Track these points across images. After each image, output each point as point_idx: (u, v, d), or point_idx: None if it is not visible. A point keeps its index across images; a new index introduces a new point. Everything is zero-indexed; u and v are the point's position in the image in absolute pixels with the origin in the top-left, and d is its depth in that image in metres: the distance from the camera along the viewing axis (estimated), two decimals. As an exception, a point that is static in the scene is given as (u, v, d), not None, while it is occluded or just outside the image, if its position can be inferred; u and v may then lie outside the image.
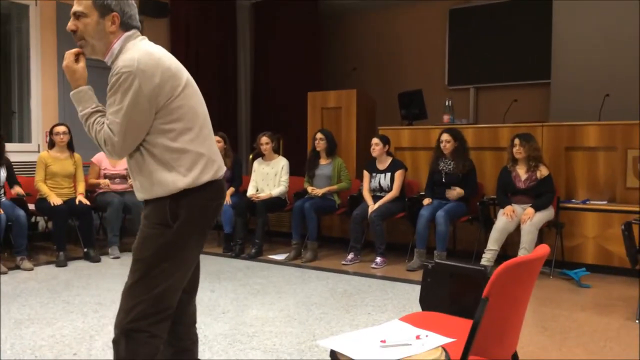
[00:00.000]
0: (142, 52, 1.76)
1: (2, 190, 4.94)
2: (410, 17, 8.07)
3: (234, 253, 5.43)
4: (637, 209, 4.43)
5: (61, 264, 4.89)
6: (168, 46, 7.40)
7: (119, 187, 5.49)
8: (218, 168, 1.91)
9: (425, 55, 7.98)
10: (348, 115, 6.23)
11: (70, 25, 1.82)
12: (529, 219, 4.49)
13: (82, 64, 1.84)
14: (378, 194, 5.28)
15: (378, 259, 5.00)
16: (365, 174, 5.39)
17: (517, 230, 4.57)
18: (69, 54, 1.83)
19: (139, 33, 1.88)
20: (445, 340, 1.74)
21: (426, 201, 5.04)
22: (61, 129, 5.25)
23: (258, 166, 5.80)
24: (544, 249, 1.78)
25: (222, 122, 7.38)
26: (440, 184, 5.08)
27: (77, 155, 5.36)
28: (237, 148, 7.97)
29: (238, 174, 5.91)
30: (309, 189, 5.47)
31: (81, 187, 5.30)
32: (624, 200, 4.83)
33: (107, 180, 5.45)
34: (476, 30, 7.55)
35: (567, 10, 6.41)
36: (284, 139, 7.10)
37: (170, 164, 1.79)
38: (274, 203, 5.54)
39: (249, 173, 6.16)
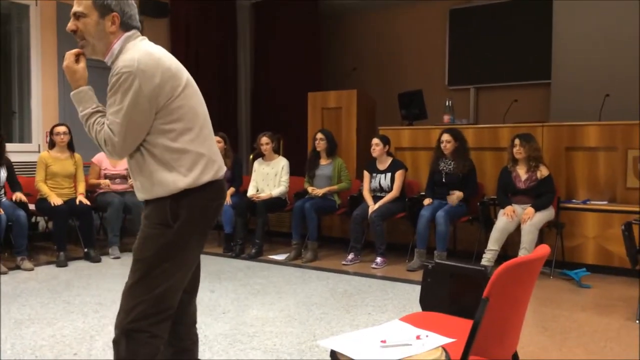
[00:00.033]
0: (142, 52, 1.76)
1: (3, 191, 4.94)
2: (410, 17, 8.07)
3: (234, 253, 5.43)
4: (637, 209, 4.43)
5: (61, 264, 4.89)
6: (168, 46, 7.40)
7: (119, 187, 5.50)
8: (218, 168, 1.91)
9: (426, 56, 7.98)
10: (348, 116, 6.23)
11: (70, 25, 1.83)
12: (529, 218, 4.49)
13: (82, 64, 1.84)
14: (378, 194, 5.28)
15: (378, 259, 5.00)
16: (366, 174, 5.39)
17: (518, 230, 4.57)
18: (69, 55, 1.83)
19: (139, 33, 1.88)
20: (446, 340, 1.74)
21: (426, 201, 5.04)
22: (61, 129, 5.25)
23: (258, 166, 5.80)
24: (545, 249, 1.78)
25: (222, 122, 7.38)
26: (441, 184, 5.08)
27: (77, 156, 5.36)
28: (237, 148, 7.97)
29: (238, 174, 5.91)
30: (309, 189, 5.47)
31: (81, 187, 5.30)
32: (624, 200, 4.83)
33: (107, 181, 5.45)
34: (476, 30, 7.55)
35: (568, 10, 6.41)
36: (284, 139, 7.11)
37: (170, 164, 1.79)
38: (274, 203, 5.54)
39: (249, 173, 6.16)
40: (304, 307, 3.71)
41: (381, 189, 5.27)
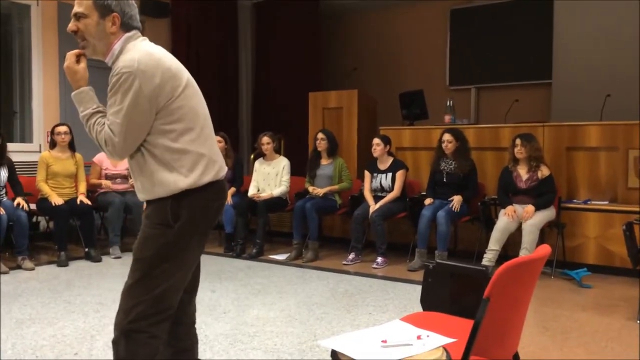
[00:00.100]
0: (143, 53, 1.76)
1: (4, 190, 4.94)
2: (411, 17, 8.07)
3: (235, 253, 5.43)
4: (638, 209, 4.43)
5: (62, 263, 4.90)
6: (169, 46, 7.41)
7: (120, 187, 5.50)
8: (219, 168, 1.90)
9: (427, 55, 7.97)
10: (349, 116, 6.23)
11: (71, 26, 1.83)
12: (529, 217, 4.48)
13: (83, 64, 1.85)
14: (379, 194, 5.28)
15: (379, 259, 5.00)
16: (367, 174, 5.39)
17: (519, 230, 4.56)
18: (70, 55, 1.84)
19: (139, 34, 1.88)
20: (447, 340, 1.74)
21: (427, 201, 5.04)
22: (62, 129, 5.26)
23: (259, 166, 5.80)
24: (545, 249, 1.77)
25: (223, 122, 7.37)
26: (442, 184, 5.08)
27: (78, 155, 5.37)
28: (238, 148, 7.97)
29: (239, 174, 5.91)
30: (310, 189, 5.47)
31: (82, 187, 5.30)
32: (625, 200, 4.83)
33: (108, 182, 5.45)
34: (477, 30, 7.54)
35: (569, 10, 6.40)
36: (285, 139, 7.11)
37: (171, 165, 1.79)
38: (275, 203, 5.55)
39: (250, 173, 6.16)
40: (304, 307, 3.71)
41: (382, 189, 5.27)
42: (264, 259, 5.30)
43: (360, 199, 5.40)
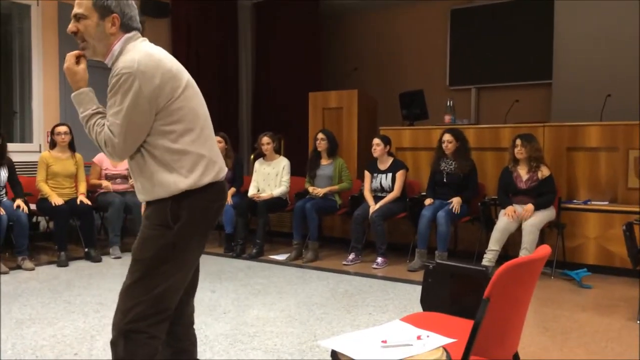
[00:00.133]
0: (143, 54, 1.76)
1: (4, 191, 4.94)
2: (411, 17, 8.07)
3: (235, 253, 5.43)
4: (638, 210, 4.43)
5: (62, 264, 4.90)
6: (169, 46, 7.41)
7: (120, 187, 5.50)
8: (219, 169, 1.90)
9: (427, 56, 7.97)
10: (349, 116, 6.23)
11: (71, 27, 1.83)
12: (529, 215, 4.48)
13: (83, 65, 1.84)
14: (379, 194, 5.28)
15: (379, 259, 5.00)
16: (367, 174, 5.39)
17: (519, 230, 4.56)
18: (70, 56, 1.83)
19: (139, 35, 1.88)
20: (447, 340, 1.74)
21: (427, 201, 5.03)
22: (62, 129, 5.26)
23: (259, 166, 5.80)
24: (545, 250, 1.77)
25: (223, 122, 7.38)
26: (442, 184, 5.08)
27: (78, 155, 5.37)
28: (238, 148, 7.97)
29: (239, 174, 5.91)
30: (310, 189, 5.47)
31: (82, 187, 5.30)
32: (626, 200, 4.83)
33: (108, 183, 5.45)
34: (477, 30, 7.54)
35: (569, 10, 6.40)
36: (285, 139, 7.11)
37: (171, 166, 1.79)
38: (275, 203, 5.55)
39: (250, 173, 6.17)
40: (304, 307, 3.71)
41: (382, 189, 5.27)
42: (264, 259, 5.30)
43: (360, 199, 5.40)
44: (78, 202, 5.14)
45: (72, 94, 1.84)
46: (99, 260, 5.08)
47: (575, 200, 5.02)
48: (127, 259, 1.87)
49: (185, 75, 1.85)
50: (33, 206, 5.15)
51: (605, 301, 3.95)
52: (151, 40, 1.90)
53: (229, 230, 5.57)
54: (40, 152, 5.88)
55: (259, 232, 5.42)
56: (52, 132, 5.29)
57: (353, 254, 5.13)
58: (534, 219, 4.50)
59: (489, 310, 1.56)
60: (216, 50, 7.97)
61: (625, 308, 3.75)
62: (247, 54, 8.63)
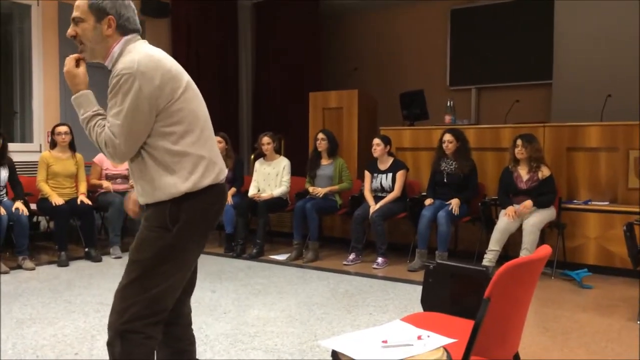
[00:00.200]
0: (142, 55, 1.76)
1: (4, 190, 4.94)
2: (411, 17, 8.07)
3: (235, 253, 5.43)
4: (638, 210, 4.43)
5: (63, 263, 4.90)
6: (169, 46, 7.41)
7: (120, 187, 5.50)
8: (219, 171, 1.90)
9: (427, 56, 7.97)
10: (349, 116, 6.23)
11: (70, 31, 1.84)
12: (527, 211, 4.50)
13: (82, 68, 1.85)
14: (379, 194, 5.28)
15: (379, 259, 5.00)
16: (367, 174, 5.39)
17: (519, 230, 4.56)
18: (70, 60, 1.84)
19: (139, 36, 1.88)
20: (447, 340, 1.74)
21: (428, 201, 5.03)
22: (63, 129, 5.26)
23: (259, 166, 5.80)
24: (546, 250, 1.77)
25: (224, 122, 7.38)
26: (442, 184, 5.08)
27: (78, 155, 5.37)
28: (238, 148, 7.98)
29: (240, 175, 5.91)
30: (311, 189, 5.47)
31: (83, 187, 5.30)
32: (626, 201, 4.83)
33: (109, 184, 5.46)
34: (478, 30, 7.54)
35: (569, 10, 6.40)
36: (286, 139, 7.11)
37: (171, 167, 1.79)
38: (275, 203, 5.55)
39: (250, 173, 6.17)
40: (305, 307, 3.71)
41: (382, 189, 5.27)
42: (264, 259, 5.30)
43: (360, 199, 5.40)
44: (78, 202, 5.14)
45: (73, 97, 1.84)
46: (100, 260, 5.08)
47: (575, 201, 5.02)
48: (127, 259, 1.87)
49: (185, 77, 1.86)
50: (33, 206, 5.15)
51: (606, 301, 3.95)
52: (151, 41, 1.90)
53: (230, 230, 5.57)
54: (40, 152, 5.88)
55: (260, 232, 5.42)
56: (53, 132, 5.30)
57: (353, 254, 5.13)
58: (535, 219, 4.50)
59: (490, 311, 1.56)
60: (216, 50, 7.97)
61: (626, 308, 3.75)
62: (247, 54, 8.63)
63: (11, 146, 5.16)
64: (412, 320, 2.00)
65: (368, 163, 5.47)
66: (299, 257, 5.30)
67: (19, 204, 4.80)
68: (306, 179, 5.66)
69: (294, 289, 4.20)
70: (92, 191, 5.47)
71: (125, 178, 5.52)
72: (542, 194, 4.62)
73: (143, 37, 1.91)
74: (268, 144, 5.70)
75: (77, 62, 1.85)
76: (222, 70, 8.09)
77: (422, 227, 4.87)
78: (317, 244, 5.34)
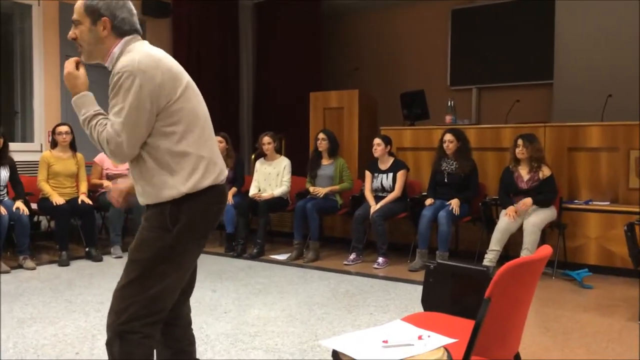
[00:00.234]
0: (143, 54, 1.77)
1: (5, 190, 4.94)
2: (412, 17, 8.06)
3: (235, 253, 5.43)
4: (639, 210, 4.43)
5: (63, 263, 4.91)
6: (170, 46, 7.41)
7: (121, 186, 5.50)
8: (220, 172, 1.90)
9: (428, 56, 7.97)
10: (350, 116, 6.23)
11: (70, 33, 1.86)
12: (526, 209, 4.52)
13: (82, 70, 1.86)
14: (380, 194, 5.28)
15: (380, 259, 5.00)
16: (367, 174, 5.39)
17: (520, 230, 4.56)
18: (70, 62, 1.85)
19: (139, 37, 1.88)
20: (448, 340, 1.74)
21: (428, 201, 5.03)
22: (64, 128, 5.26)
23: (260, 166, 5.81)
24: (547, 250, 1.77)
25: (224, 122, 7.38)
26: (443, 184, 5.08)
27: (79, 155, 5.37)
28: (239, 148, 7.98)
29: (240, 174, 5.91)
30: (311, 189, 5.47)
31: (83, 187, 5.31)
32: (627, 201, 4.82)
33: (109, 183, 5.46)
34: (478, 30, 7.53)
35: (570, 10, 6.40)
36: (286, 139, 7.11)
37: (172, 168, 1.79)
38: (276, 203, 5.55)
39: (251, 173, 6.17)
40: (305, 307, 3.71)
41: (383, 189, 5.27)
42: (264, 259, 5.30)
43: (361, 199, 5.40)
44: (79, 202, 5.15)
45: (73, 98, 1.84)
46: (100, 260, 5.09)
47: (576, 201, 5.01)
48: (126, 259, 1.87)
49: (186, 77, 1.86)
50: (34, 206, 5.15)
51: (607, 301, 3.95)
52: (152, 40, 1.91)
53: (230, 230, 5.57)
54: (41, 151, 5.88)
55: (260, 232, 5.42)
56: (53, 132, 5.30)
57: (354, 253, 5.13)
58: (535, 219, 4.50)
59: (490, 310, 1.56)
60: (217, 50, 7.97)
61: (626, 308, 3.75)
62: (248, 54, 8.63)
63: (12, 146, 5.16)
64: (412, 320, 2.01)
65: (369, 163, 5.47)
66: (299, 256, 5.30)
67: (19, 204, 4.80)
68: (307, 179, 5.66)
69: (295, 289, 4.20)
70: (92, 191, 5.48)
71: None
72: (542, 193, 4.62)
73: (144, 37, 1.92)
74: (269, 143, 5.70)
75: (77, 65, 1.86)
76: (223, 70, 8.09)
77: (423, 227, 4.87)
78: (318, 244, 5.34)
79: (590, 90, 5.88)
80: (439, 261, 2.35)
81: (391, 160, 5.33)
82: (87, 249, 5.16)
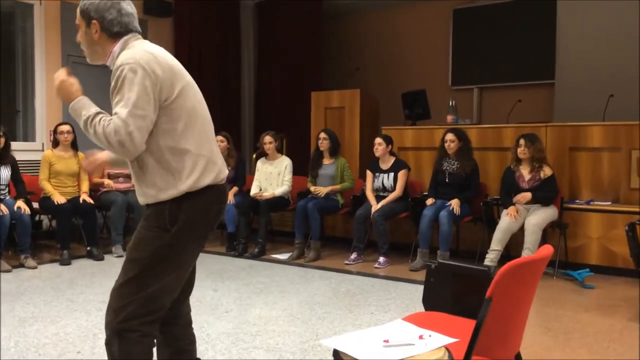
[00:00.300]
0: (142, 51, 1.78)
1: (7, 189, 4.95)
2: (413, 17, 8.06)
3: (237, 252, 5.43)
4: (641, 210, 4.42)
5: (65, 262, 4.91)
6: (171, 46, 7.42)
7: (122, 186, 5.51)
8: (219, 171, 1.89)
9: (429, 55, 7.97)
10: (351, 115, 6.23)
11: (77, 37, 1.91)
12: (524, 202, 4.54)
13: (74, 78, 1.87)
14: (381, 193, 5.28)
15: (381, 259, 5.00)
16: (369, 173, 5.39)
17: (521, 230, 4.56)
18: (61, 72, 1.86)
19: (139, 36, 1.90)
20: (449, 340, 1.74)
21: (429, 201, 5.03)
22: (65, 127, 5.27)
23: (261, 165, 5.81)
24: (548, 250, 1.77)
25: (226, 121, 7.38)
26: (444, 184, 5.08)
27: (81, 154, 5.37)
28: (240, 148, 7.98)
29: (242, 174, 5.91)
30: (312, 188, 5.47)
31: (85, 186, 5.32)
32: (628, 201, 4.82)
33: (110, 182, 5.47)
34: (480, 30, 7.53)
35: (571, 10, 6.39)
36: (288, 138, 7.11)
37: (171, 166, 1.79)
38: (277, 202, 5.55)
39: (252, 172, 6.17)
40: (306, 306, 3.71)
41: (384, 189, 5.27)
42: (266, 259, 5.31)
43: (362, 198, 5.40)
44: (81, 201, 5.16)
45: (71, 104, 1.82)
46: (102, 259, 5.09)
47: (577, 201, 5.01)
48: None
49: (186, 76, 1.87)
50: (36, 205, 5.16)
51: (608, 301, 3.95)
52: (153, 40, 1.92)
53: (231, 229, 5.58)
54: (43, 150, 5.89)
55: (261, 231, 5.43)
56: (55, 131, 5.31)
57: (355, 253, 5.13)
58: (537, 219, 4.49)
59: (491, 310, 1.56)
60: (218, 49, 7.97)
61: (627, 308, 3.74)
62: (249, 54, 8.64)
63: (14, 145, 5.17)
64: (413, 319, 2.01)
65: (370, 162, 5.47)
66: (300, 256, 5.30)
67: (21, 203, 4.81)
68: (308, 179, 5.66)
69: (296, 288, 4.20)
70: (94, 190, 5.48)
71: (128, 177, 5.52)
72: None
73: (145, 37, 1.93)
74: (270, 143, 5.70)
75: (68, 74, 1.88)
76: (224, 70, 8.10)
77: (424, 227, 4.87)
78: (319, 244, 5.34)
79: (592, 90, 5.88)
80: (440, 261, 2.35)
81: (392, 159, 5.32)
82: (88, 248, 5.17)
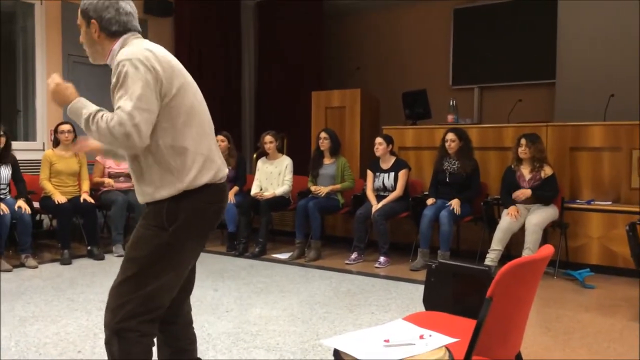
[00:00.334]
0: (142, 48, 1.78)
1: (7, 189, 4.95)
2: (414, 16, 8.06)
3: (237, 252, 5.43)
4: (641, 210, 4.42)
5: (65, 261, 4.91)
6: (172, 45, 7.42)
7: (123, 185, 5.51)
8: (218, 170, 1.89)
9: (430, 55, 7.97)
10: (352, 115, 6.23)
11: (80, 37, 1.92)
12: (523, 198, 4.55)
13: (68, 83, 1.87)
14: (382, 193, 5.28)
15: (381, 259, 5.00)
16: (369, 173, 5.39)
17: (521, 230, 4.56)
18: (55, 77, 1.86)
19: (138, 35, 1.90)
20: (449, 340, 1.74)
21: (430, 201, 5.03)
22: (66, 127, 5.27)
23: (262, 165, 5.81)
24: (548, 250, 1.77)
25: (226, 121, 7.38)
26: (445, 183, 5.08)
27: (81, 154, 5.37)
28: (241, 147, 7.98)
29: (242, 173, 5.91)
30: (313, 188, 5.47)
31: (86, 186, 5.32)
32: (629, 200, 4.81)
33: (111, 180, 5.47)
34: (480, 29, 7.53)
35: (572, 9, 6.39)
36: (288, 138, 7.11)
37: (170, 164, 1.79)
38: (277, 202, 5.55)
39: (253, 172, 6.17)
40: (307, 306, 3.71)
41: (385, 189, 5.27)
42: (266, 258, 5.31)
43: (362, 198, 5.40)
44: (81, 200, 5.16)
45: (69, 106, 1.80)
46: (102, 258, 5.09)
47: (578, 200, 5.01)
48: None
49: (185, 74, 1.87)
50: (36, 204, 5.16)
51: (608, 301, 3.95)
52: (154, 39, 1.92)
53: (232, 229, 5.58)
54: (43, 150, 5.90)
55: (262, 231, 5.43)
56: (56, 131, 5.31)
57: (355, 253, 5.13)
58: (537, 219, 4.49)
59: (492, 310, 1.56)
60: (219, 49, 7.98)
61: (628, 308, 3.74)
62: (250, 53, 8.64)
63: (14, 144, 5.17)
64: (414, 319, 2.01)
65: (370, 162, 5.47)
66: (301, 256, 5.30)
67: (21, 202, 4.81)
68: (309, 178, 5.66)
69: (296, 288, 4.20)
70: (94, 189, 5.49)
71: (128, 176, 5.52)
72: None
73: (146, 36, 1.93)
74: (270, 142, 5.70)
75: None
76: (225, 69, 8.10)
77: (424, 227, 4.87)
78: (320, 243, 5.34)
79: (593, 89, 5.88)
80: (441, 260, 2.35)
81: (393, 159, 5.32)
82: (89, 248, 5.17)
